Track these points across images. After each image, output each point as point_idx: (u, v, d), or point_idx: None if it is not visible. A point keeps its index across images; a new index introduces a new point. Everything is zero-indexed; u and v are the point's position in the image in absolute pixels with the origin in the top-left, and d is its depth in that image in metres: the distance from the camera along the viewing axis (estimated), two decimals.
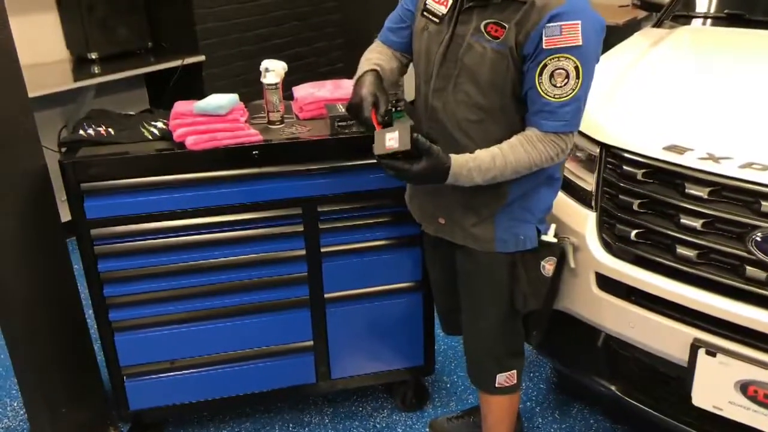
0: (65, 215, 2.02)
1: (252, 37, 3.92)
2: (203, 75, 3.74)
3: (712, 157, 1.70)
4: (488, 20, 1.56)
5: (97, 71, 3.42)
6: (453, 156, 1.57)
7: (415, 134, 1.51)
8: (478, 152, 1.58)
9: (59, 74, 3.44)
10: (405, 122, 1.57)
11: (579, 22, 1.48)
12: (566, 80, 1.51)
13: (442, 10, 1.65)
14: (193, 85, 3.77)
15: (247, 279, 2.11)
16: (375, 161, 1.58)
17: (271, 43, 4.03)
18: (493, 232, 1.72)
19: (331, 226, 2.11)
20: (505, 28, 1.53)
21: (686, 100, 2.02)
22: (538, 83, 1.53)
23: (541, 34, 1.49)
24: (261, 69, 2.10)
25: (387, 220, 2.15)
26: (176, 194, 1.97)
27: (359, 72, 1.76)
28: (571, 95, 1.52)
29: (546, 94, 1.53)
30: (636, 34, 2.82)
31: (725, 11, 2.63)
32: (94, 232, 1.96)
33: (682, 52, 2.45)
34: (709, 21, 2.77)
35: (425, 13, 1.69)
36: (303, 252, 2.12)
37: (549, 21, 1.48)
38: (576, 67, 1.50)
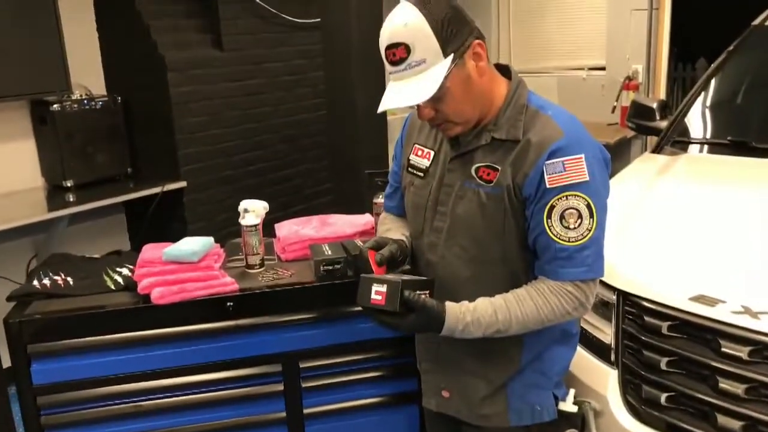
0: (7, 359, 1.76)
1: (236, 161, 3.80)
2: (184, 201, 3.58)
3: (748, 311, 1.50)
4: (479, 164, 1.41)
5: (71, 199, 3.26)
6: (449, 306, 1.37)
7: (406, 292, 1.33)
8: (479, 302, 1.39)
9: (32, 204, 3.26)
10: (397, 276, 1.38)
11: (582, 155, 1.33)
12: (579, 220, 1.33)
13: (425, 163, 1.52)
14: (174, 211, 3.61)
15: None
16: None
17: (256, 167, 3.92)
18: (506, 402, 1.49)
19: (315, 384, 1.88)
20: (497, 170, 1.39)
21: (708, 242, 1.84)
22: (548, 227, 1.35)
23: (542, 172, 1.33)
24: (239, 209, 1.93)
25: (379, 375, 1.92)
26: (139, 354, 1.74)
27: None
28: (588, 236, 1.34)
29: (559, 238, 1.34)
30: (637, 161, 2.71)
31: (728, 138, 2.52)
32: (41, 400, 1.71)
33: (694, 185, 2.30)
34: (710, 147, 2.66)
35: (410, 170, 1.56)
36: (283, 414, 1.87)
37: (549, 157, 1.33)
38: (588, 205, 1.33)
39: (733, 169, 2.37)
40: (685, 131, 2.77)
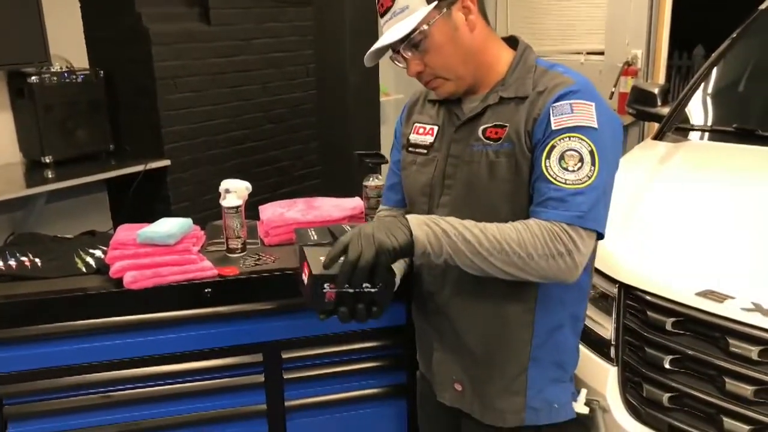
0: None
1: (223, 140, 3.68)
2: (168, 180, 3.46)
3: (759, 309, 1.41)
4: (486, 125, 1.32)
5: (50, 176, 3.14)
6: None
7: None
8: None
9: (9, 179, 3.14)
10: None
11: (593, 104, 1.24)
12: (579, 164, 1.21)
13: (429, 139, 1.42)
14: (157, 191, 3.49)
15: None
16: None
17: (245, 146, 3.80)
18: (524, 398, 1.38)
19: (298, 376, 1.78)
20: (505, 127, 1.30)
21: (716, 234, 1.75)
22: (545, 167, 1.23)
23: (549, 114, 1.24)
24: (220, 190, 1.82)
25: (366, 367, 1.82)
26: (109, 341, 1.64)
27: None
28: (587, 183, 1.21)
29: (555, 179, 1.22)
30: (637, 148, 2.62)
31: (734, 126, 2.42)
32: (3, 389, 1.60)
33: (700, 174, 2.20)
34: (713, 134, 2.57)
35: (411, 149, 1.45)
36: (264, 407, 1.77)
37: (557, 100, 1.24)
38: (591, 152, 1.21)
39: (739, 158, 2.27)
40: (686, 118, 2.67)
